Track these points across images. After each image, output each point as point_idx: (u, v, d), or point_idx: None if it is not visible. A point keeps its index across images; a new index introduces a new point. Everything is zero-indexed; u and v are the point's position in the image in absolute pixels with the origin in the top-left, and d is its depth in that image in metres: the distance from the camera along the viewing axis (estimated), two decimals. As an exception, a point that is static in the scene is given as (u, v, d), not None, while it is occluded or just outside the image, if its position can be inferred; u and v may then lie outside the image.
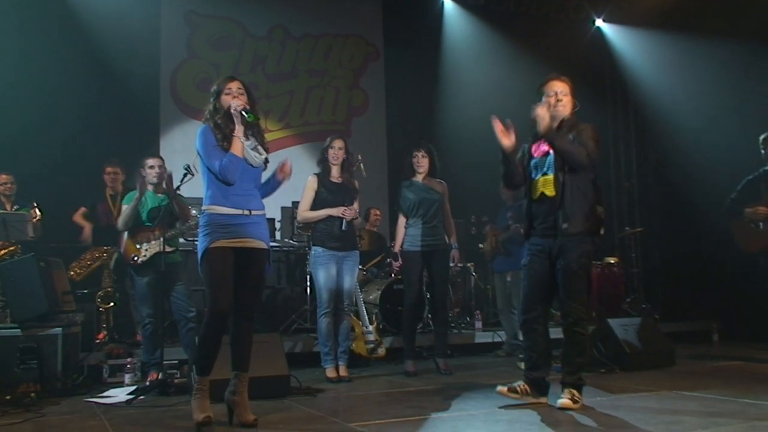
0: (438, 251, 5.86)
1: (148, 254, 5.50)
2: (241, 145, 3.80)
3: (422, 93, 9.61)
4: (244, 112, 3.79)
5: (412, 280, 5.85)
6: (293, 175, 4.08)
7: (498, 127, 4.28)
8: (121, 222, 5.58)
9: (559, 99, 4.30)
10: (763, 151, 6.13)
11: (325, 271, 5.56)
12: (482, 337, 7.46)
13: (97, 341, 6.29)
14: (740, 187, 6.23)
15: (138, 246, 5.53)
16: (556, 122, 4.29)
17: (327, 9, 9.75)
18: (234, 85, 3.91)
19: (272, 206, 7.32)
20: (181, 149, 7.86)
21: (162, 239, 5.32)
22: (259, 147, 3.93)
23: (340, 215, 5.56)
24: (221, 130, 3.84)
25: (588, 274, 4.29)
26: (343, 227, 5.58)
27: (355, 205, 5.69)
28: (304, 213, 5.70)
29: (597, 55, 10.44)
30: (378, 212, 8.40)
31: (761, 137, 6.16)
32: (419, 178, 5.92)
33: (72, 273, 6.44)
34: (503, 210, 6.98)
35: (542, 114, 4.21)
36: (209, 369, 3.78)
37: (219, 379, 4.22)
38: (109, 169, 6.76)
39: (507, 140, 4.26)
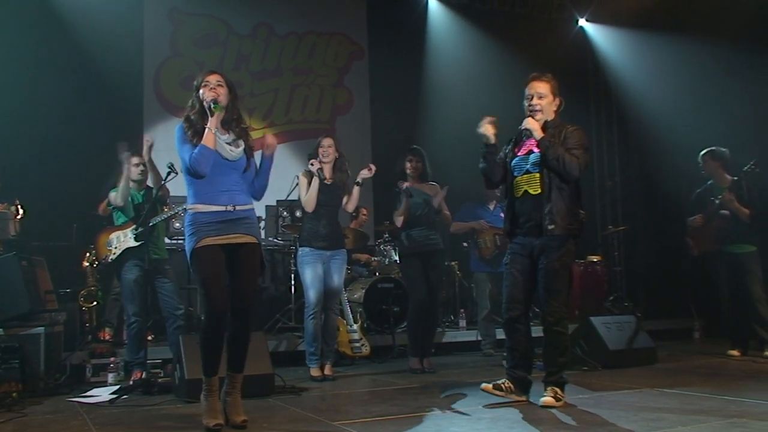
0: (433, 252, 5.88)
1: (118, 251, 5.49)
2: (213, 137, 3.72)
3: (406, 92, 9.59)
4: (212, 104, 3.73)
5: (416, 280, 5.86)
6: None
7: (487, 119, 4.34)
8: (120, 199, 5.51)
9: (536, 101, 4.31)
10: (702, 170, 6.61)
11: (311, 270, 5.54)
12: (466, 336, 7.48)
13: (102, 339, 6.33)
14: (692, 199, 6.79)
15: (109, 247, 5.53)
16: (540, 123, 4.31)
17: (311, 7, 9.72)
18: (213, 78, 3.84)
19: (256, 205, 7.28)
20: (165, 147, 7.72)
21: (133, 236, 5.33)
22: (239, 141, 3.88)
23: (317, 169, 5.51)
24: (192, 125, 3.79)
25: (569, 274, 4.32)
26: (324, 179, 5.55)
27: (355, 194, 5.64)
28: (305, 198, 5.55)
29: (580, 54, 10.52)
30: (366, 211, 8.37)
31: (699, 155, 6.62)
32: (411, 182, 5.93)
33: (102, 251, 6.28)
34: (482, 208, 7.01)
35: (534, 126, 4.23)
36: (215, 369, 3.73)
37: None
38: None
39: (491, 129, 4.33)
